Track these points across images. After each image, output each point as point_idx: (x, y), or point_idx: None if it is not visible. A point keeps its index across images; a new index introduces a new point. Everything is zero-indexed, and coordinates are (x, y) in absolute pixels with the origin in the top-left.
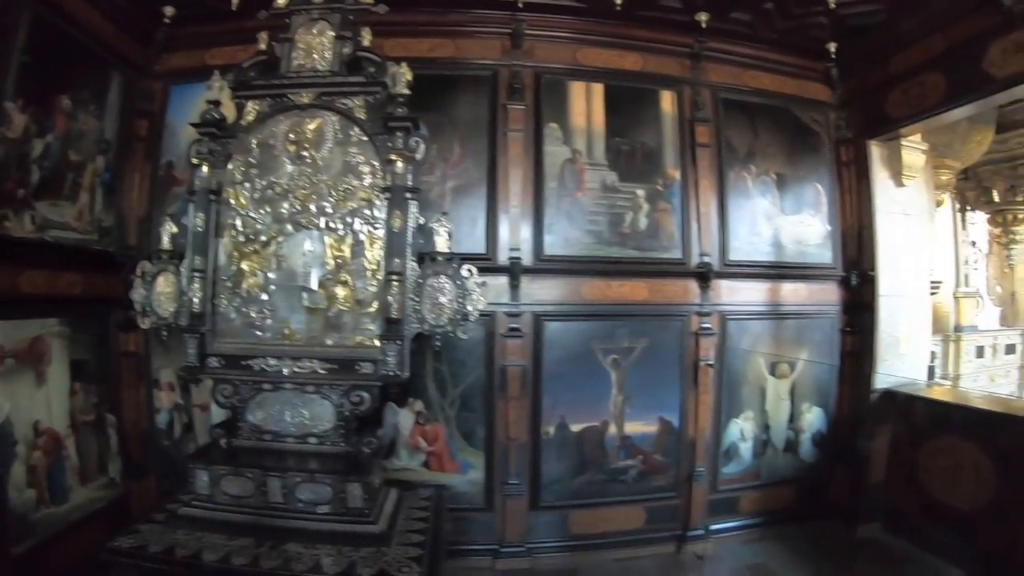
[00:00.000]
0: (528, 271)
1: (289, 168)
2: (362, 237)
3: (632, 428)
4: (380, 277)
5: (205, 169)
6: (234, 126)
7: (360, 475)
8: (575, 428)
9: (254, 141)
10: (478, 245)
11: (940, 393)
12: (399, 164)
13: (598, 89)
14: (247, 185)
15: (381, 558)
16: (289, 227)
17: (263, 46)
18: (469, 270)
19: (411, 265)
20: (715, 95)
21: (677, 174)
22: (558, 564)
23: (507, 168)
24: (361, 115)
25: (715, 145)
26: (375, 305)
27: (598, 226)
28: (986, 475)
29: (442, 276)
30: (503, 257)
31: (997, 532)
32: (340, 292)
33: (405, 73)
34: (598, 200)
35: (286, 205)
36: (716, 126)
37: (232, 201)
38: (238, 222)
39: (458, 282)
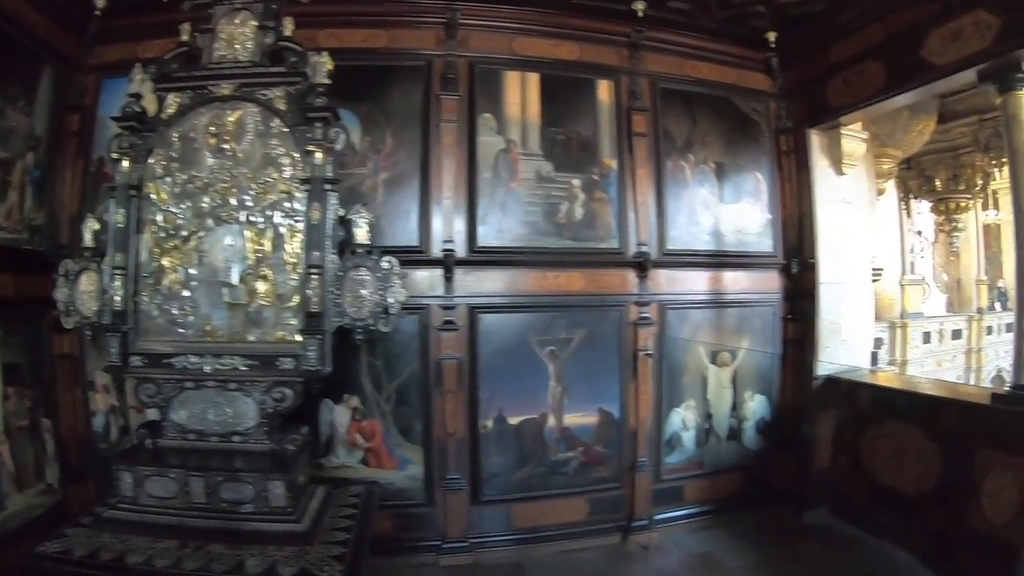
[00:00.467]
0: (462, 263)
1: (210, 161)
2: (282, 230)
3: (571, 420)
4: (301, 271)
5: (126, 164)
6: (155, 120)
7: (283, 473)
8: (513, 421)
9: (175, 134)
10: (411, 237)
11: (883, 378)
12: (318, 155)
13: (534, 79)
14: (168, 179)
15: (303, 557)
16: (210, 221)
17: (185, 37)
18: (389, 261)
19: (331, 258)
20: (653, 84)
21: (614, 163)
22: (502, 558)
23: (440, 159)
24: (281, 106)
25: (652, 134)
26: (296, 299)
27: (533, 217)
28: (930, 459)
29: (362, 268)
30: (437, 249)
31: (942, 515)
32: (260, 287)
33: (326, 62)
34: (533, 190)
35: (207, 199)
36: (654, 115)
37: (153, 196)
38: (159, 217)
39: (378, 274)
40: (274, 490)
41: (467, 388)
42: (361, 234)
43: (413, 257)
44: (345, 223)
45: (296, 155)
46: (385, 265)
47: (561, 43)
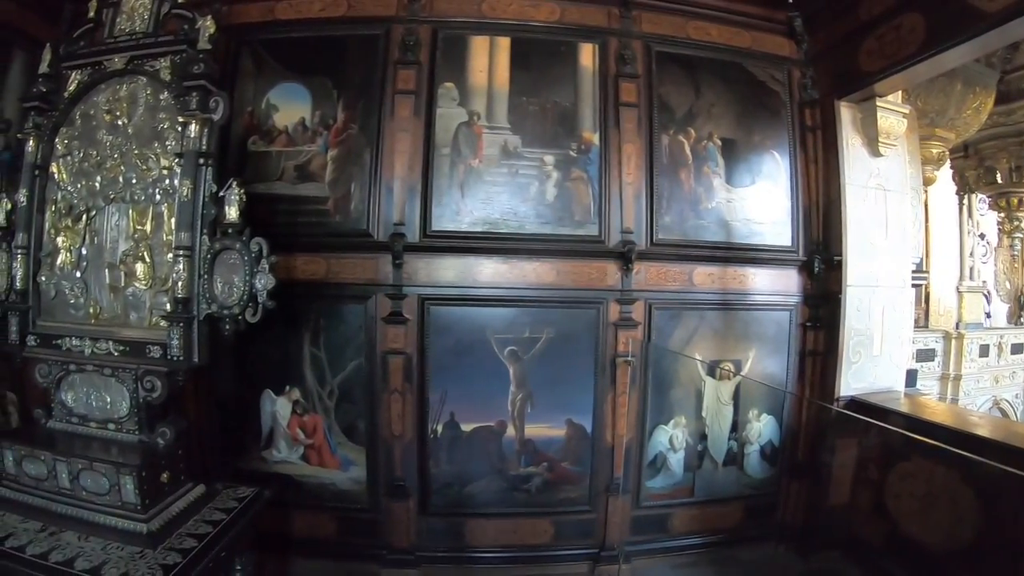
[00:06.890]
0: (413, 249)
1: (104, 138)
2: (163, 209)
3: (535, 431)
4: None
5: (31, 143)
6: (59, 98)
7: (142, 467)
8: (466, 427)
9: (78, 112)
10: (360, 221)
11: (920, 407)
12: (192, 127)
13: (504, 43)
14: (68, 158)
15: (131, 561)
16: (101, 200)
17: (92, 14)
18: (258, 243)
19: (203, 239)
20: (648, 48)
21: (595, 138)
22: None
23: (394, 134)
24: (167, 76)
25: (645, 105)
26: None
27: (497, 198)
28: (966, 510)
29: (232, 251)
30: (385, 233)
31: None
32: (139, 269)
33: (210, 27)
34: (497, 168)
35: (99, 177)
36: (647, 83)
37: (56, 175)
38: (58, 196)
39: (246, 257)
40: (125, 484)
41: (416, 387)
42: (232, 212)
43: (360, 240)
44: (218, 201)
45: (180, 128)
46: (254, 247)
47: (539, 3)
